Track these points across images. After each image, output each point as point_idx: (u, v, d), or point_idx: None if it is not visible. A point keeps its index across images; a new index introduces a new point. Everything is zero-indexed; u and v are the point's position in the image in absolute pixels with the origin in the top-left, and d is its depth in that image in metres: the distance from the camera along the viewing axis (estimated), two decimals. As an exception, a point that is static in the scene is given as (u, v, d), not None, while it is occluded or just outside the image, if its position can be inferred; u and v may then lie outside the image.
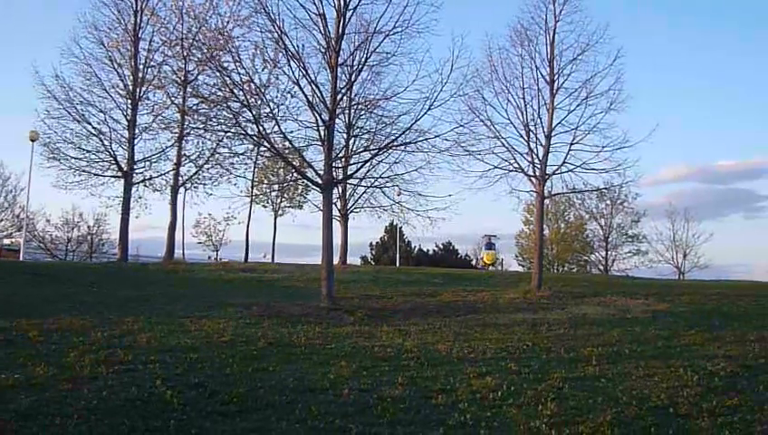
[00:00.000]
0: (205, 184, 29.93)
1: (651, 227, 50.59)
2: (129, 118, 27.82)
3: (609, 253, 49.13)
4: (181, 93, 27.01)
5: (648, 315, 16.30)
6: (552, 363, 10.00)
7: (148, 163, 28.70)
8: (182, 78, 26.72)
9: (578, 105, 21.78)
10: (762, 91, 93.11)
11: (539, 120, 21.96)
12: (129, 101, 27.79)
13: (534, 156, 21.79)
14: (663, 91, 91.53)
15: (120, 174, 28.13)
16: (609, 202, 46.54)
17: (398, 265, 37.52)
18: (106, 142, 27.81)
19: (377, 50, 17.14)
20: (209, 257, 38.80)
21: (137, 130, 27.89)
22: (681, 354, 11.12)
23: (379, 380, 8.77)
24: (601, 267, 48.96)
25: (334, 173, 17.78)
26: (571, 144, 21.67)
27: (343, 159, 20.16)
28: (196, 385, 8.16)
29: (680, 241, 49.19)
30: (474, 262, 54.15)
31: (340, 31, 16.76)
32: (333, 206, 23.96)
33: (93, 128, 27.52)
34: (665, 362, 10.35)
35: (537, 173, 21.72)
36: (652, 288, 23.25)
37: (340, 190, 29.83)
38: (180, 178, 29.34)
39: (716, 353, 11.15)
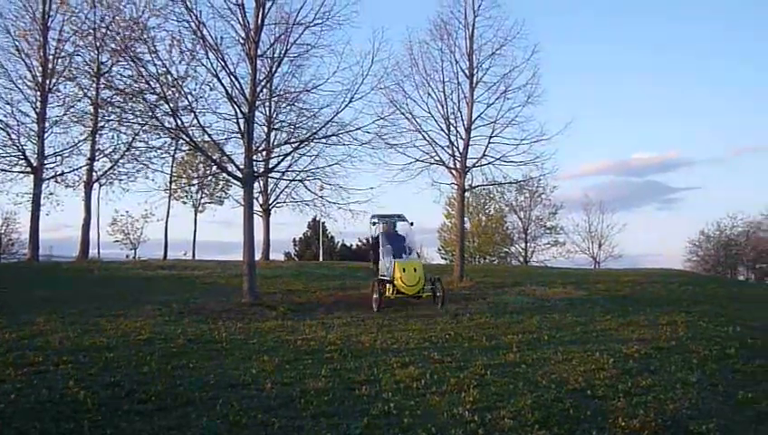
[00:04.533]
0: (120, 179, 28.92)
1: (569, 219, 52.16)
2: (38, 111, 26.53)
3: (528, 244, 50.30)
4: (94, 85, 26.03)
5: (566, 303, 16.76)
6: (474, 352, 10.14)
7: (59, 158, 27.43)
8: (95, 69, 25.76)
9: (497, 99, 22.14)
10: (676, 88, 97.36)
11: (459, 114, 22.21)
12: (39, 93, 26.49)
13: (455, 149, 22.05)
14: (581, 86, 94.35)
15: (29, 169, 26.81)
16: (528, 195, 47.59)
17: (321, 259, 37.36)
18: (14, 136, 26.38)
19: (297, 42, 16.96)
20: (127, 256, 37.58)
21: (47, 124, 26.59)
22: (597, 339, 11.49)
23: (302, 373, 8.69)
24: (521, 259, 50.10)
25: (255, 167, 17.49)
26: (491, 137, 22.04)
27: (264, 153, 19.89)
28: (112, 384, 7.89)
29: (596, 232, 50.94)
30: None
31: (260, 21, 16.48)
32: (255, 201, 23.62)
33: (0, 121, 26.23)
34: (582, 346, 10.67)
35: (458, 166, 21.98)
36: (569, 277, 23.89)
37: (262, 185, 29.43)
38: (94, 174, 28.27)
39: (630, 337, 11.56)
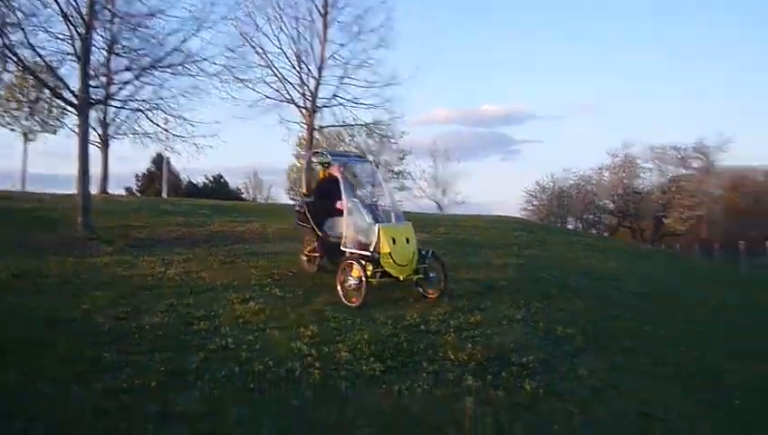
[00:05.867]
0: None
1: (416, 164, 53.58)
2: None
3: (375, 188, 51.25)
4: None
5: (408, 245, 17.23)
6: (317, 289, 10.22)
7: None
8: None
9: (350, 39, 22.06)
10: (524, 44, 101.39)
11: (311, 52, 21.95)
12: None
13: (306, 88, 21.84)
14: (433, 33, 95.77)
15: None
16: (377, 139, 48.23)
17: (165, 196, 36.10)
18: None
19: (141, -39, 15.89)
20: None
21: None
22: (435, 278, 11.94)
23: (137, 308, 8.43)
24: (368, 202, 50.98)
25: (93, 93, 16.38)
26: (342, 78, 22.02)
27: (103, 79, 18.67)
28: None
29: (441, 179, 52.89)
30: (245, 195, 53.75)
31: (100, -65, 15.28)
32: (92, 130, 22.28)
33: None
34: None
35: (308, 105, 21.80)
36: (413, 221, 24.54)
37: (102, 115, 27.71)
38: None
39: (464, 277, 12.10)
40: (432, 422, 5.56)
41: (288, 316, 8.31)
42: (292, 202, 46.98)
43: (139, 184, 44.79)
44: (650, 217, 54.45)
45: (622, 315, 10.88)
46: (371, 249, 9.79)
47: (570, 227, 55.18)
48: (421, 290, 10.16)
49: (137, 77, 17.43)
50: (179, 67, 16.70)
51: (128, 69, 17.33)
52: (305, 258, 11.90)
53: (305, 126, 22.38)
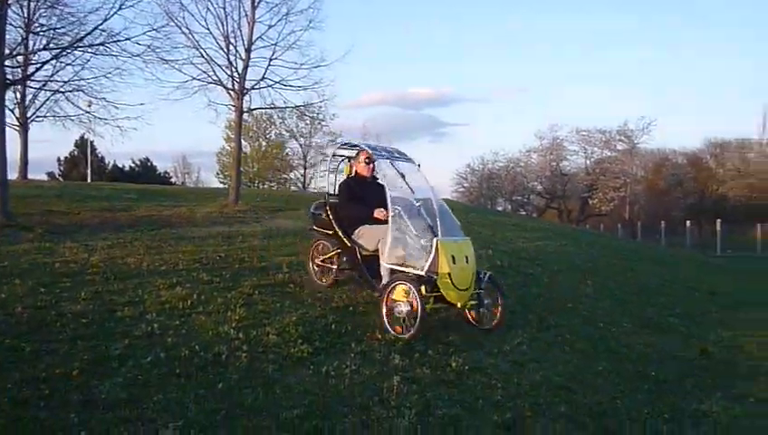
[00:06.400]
0: None
1: (347, 147, 53.82)
2: None
3: (307, 171, 51.19)
4: None
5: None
6: (245, 272, 10.13)
7: None
8: None
9: (278, 20, 21.68)
10: (452, 26, 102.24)
11: (239, 33, 21.51)
12: None
13: (234, 69, 21.39)
14: (363, 17, 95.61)
15: None
16: (308, 121, 48.05)
17: (90, 180, 35.12)
18: None
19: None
20: None
21: None
22: (362, 262, 12.00)
23: (59, 296, 8.17)
24: (300, 185, 50.84)
25: (10, 74, 15.73)
26: (271, 59, 21.66)
27: (20, 58, 17.93)
28: None
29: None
30: (174, 179, 52.82)
31: None
32: (10, 112, 21.43)
33: None
34: (347, 268, 11.09)
35: (236, 87, 21.41)
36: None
37: (19, 96, 26.64)
38: None
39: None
40: (359, 401, 5.63)
41: (215, 300, 8.23)
42: (221, 186, 46.50)
43: (62, 168, 43.37)
44: (577, 198, 56.03)
45: (546, 293, 11.21)
46: (426, 268, 7.71)
47: (499, 208, 56.32)
48: (470, 318, 8.28)
49: (56, 57, 16.81)
50: (101, 47, 16.12)
51: (46, 48, 16.70)
52: (317, 269, 9.78)
53: (234, 108, 21.96)
